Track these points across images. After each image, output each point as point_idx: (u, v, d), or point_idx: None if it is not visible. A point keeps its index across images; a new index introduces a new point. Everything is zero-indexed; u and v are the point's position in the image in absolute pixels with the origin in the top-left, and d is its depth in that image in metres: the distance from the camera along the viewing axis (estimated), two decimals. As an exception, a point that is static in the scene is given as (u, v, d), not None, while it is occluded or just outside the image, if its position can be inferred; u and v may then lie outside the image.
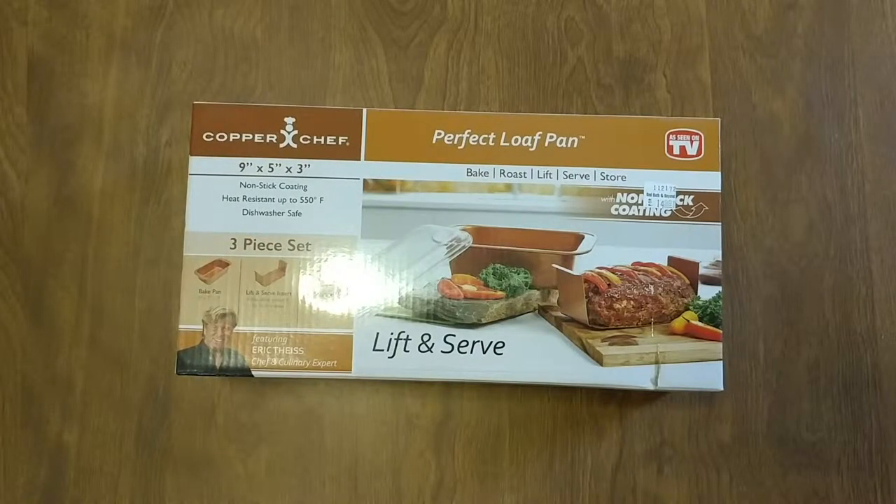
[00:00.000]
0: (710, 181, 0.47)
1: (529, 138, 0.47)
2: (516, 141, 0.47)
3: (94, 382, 0.54)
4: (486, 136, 0.47)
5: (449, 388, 0.54)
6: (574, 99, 0.56)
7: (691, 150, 0.47)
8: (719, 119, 0.48)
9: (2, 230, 0.55)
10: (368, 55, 0.57)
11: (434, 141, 0.47)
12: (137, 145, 0.56)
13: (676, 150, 0.47)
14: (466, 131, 0.47)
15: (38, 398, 0.54)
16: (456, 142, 0.47)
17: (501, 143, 0.47)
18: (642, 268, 0.47)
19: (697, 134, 0.47)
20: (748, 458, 0.53)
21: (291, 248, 0.47)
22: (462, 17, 0.57)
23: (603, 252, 0.47)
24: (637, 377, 0.46)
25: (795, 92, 0.56)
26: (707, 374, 0.46)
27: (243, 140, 0.47)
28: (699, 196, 0.47)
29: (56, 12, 0.57)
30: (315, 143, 0.47)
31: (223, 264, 0.47)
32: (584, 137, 0.47)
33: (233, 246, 0.47)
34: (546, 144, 0.47)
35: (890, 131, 0.56)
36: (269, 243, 0.47)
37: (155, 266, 0.55)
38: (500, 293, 0.47)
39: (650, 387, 0.45)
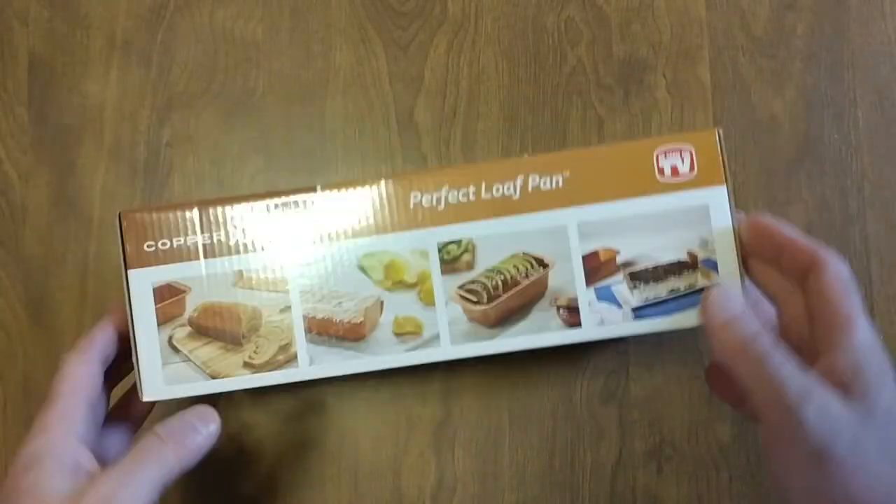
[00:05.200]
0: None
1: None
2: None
3: (95, 382, 0.54)
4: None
5: (449, 388, 0.54)
6: (574, 99, 0.56)
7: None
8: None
9: (2, 230, 0.55)
10: (368, 55, 0.57)
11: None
12: (138, 145, 0.56)
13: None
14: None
15: (39, 398, 0.54)
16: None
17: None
18: None
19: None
20: (748, 458, 0.53)
21: None
22: (462, 17, 0.57)
23: None
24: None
25: (795, 92, 0.56)
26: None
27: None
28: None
29: (57, 12, 0.57)
30: None
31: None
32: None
33: None
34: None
35: (889, 132, 0.56)
36: None
37: (156, 266, 0.55)
38: None
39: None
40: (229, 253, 0.44)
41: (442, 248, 0.44)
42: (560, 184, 0.44)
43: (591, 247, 0.44)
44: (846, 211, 0.55)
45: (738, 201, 0.55)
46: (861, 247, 0.55)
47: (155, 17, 0.57)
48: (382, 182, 0.44)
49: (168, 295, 0.43)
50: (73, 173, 0.56)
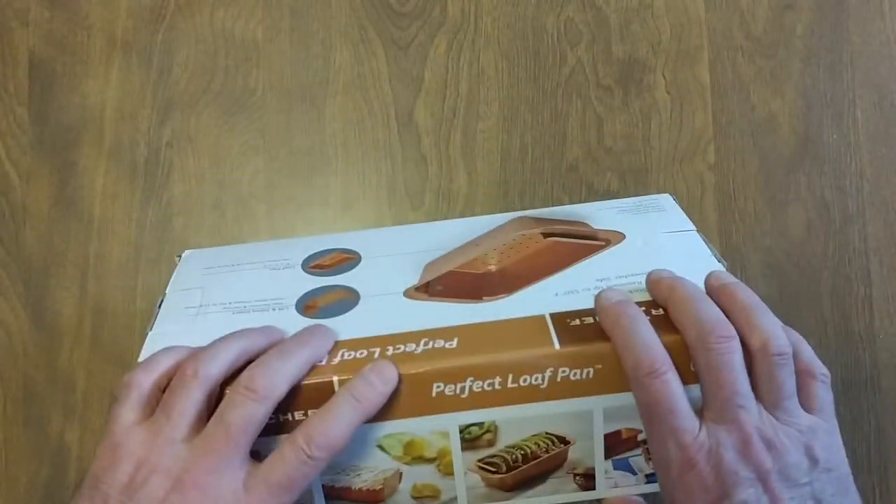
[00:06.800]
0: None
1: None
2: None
3: (96, 382, 0.54)
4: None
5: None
6: (573, 99, 0.56)
7: None
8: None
9: (3, 230, 0.55)
10: (368, 56, 0.57)
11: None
12: (138, 145, 0.56)
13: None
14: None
15: (39, 398, 0.54)
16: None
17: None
18: None
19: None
20: (747, 457, 0.53)
21: None
22: (462, 18, 0.57)
23: None
24: None
25: (794, 92, 0.56)
26: None
27: None
28: None
29: (57, 13, 0.57)
30: None
31: None
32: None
33: None
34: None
35: (888, 131, 0.56)
36: None
37: (156, 266, 0.55)
38: None
39: None
40: None
41: (464, 430, 0.43)
42: (591, 375, 0.41)
43: (614, 427, 0.43)
44: (845, 211, 0.55)
45: (737, 201, 0.55)
46: (861, 247, 0.55)
47: (155, 17, 0.57)
48: (402, 370, 0.41)
49: None
50: (73, 173, 0.56)
